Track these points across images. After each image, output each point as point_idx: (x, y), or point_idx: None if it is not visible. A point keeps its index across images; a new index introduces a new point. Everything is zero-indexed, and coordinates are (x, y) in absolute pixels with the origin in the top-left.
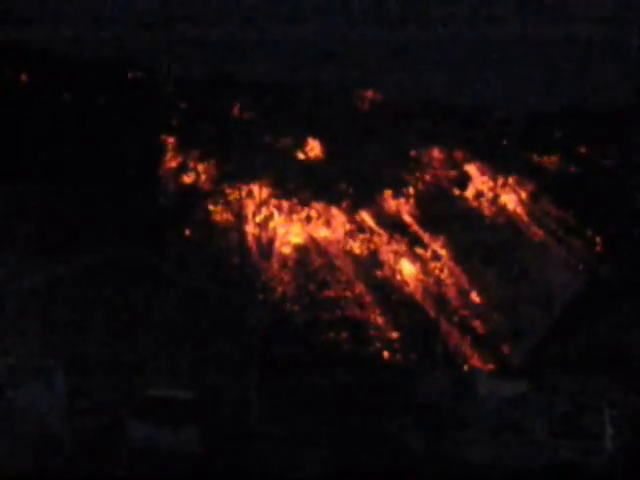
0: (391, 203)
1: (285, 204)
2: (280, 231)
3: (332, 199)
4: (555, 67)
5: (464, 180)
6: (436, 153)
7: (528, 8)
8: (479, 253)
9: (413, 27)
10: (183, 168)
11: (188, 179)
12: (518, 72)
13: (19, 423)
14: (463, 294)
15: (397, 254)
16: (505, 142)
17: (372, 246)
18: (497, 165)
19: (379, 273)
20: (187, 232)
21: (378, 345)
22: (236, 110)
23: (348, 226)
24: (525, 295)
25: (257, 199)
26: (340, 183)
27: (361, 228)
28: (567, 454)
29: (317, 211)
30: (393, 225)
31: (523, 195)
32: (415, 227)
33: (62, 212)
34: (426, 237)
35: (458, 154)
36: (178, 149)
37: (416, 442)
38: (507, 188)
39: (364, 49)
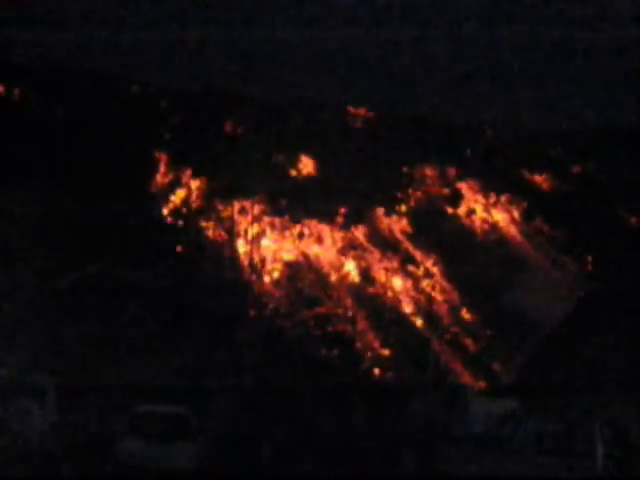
0: (383, 220)
1: (278, 221)
2: (272, 247)
3: (324, 216)
4: (548, 87)
5: (456, 198)
6: (429, 171)
7: (523, 29)
8: (471, 270)
9: (406, 46)
10: (176, 184)
11: (180, 195)
12: (511, 91)
13: (10, 438)
14: (455, 311)
15: (389, 271)
16: (497, 160)
17: (364, 263)
18: (489, 183)
19: (371, 290)
20: (179, 248)
21: (369, 362)
22: (229, 126)
23: (340, 243)
24: (516, 312)
25: (250, 216)
26: (333, 200)
27: (353, 245)
28: (557, 472)
29: (309, 228)
30: (385, 242)
31: (515, 213)
32: (407, 244)
33: (53, 228)
34: (418, 254)
35: (451, 172)
36: (171, 165)
37: (407, 458)
38: (499, 206)
39: (358, 67)
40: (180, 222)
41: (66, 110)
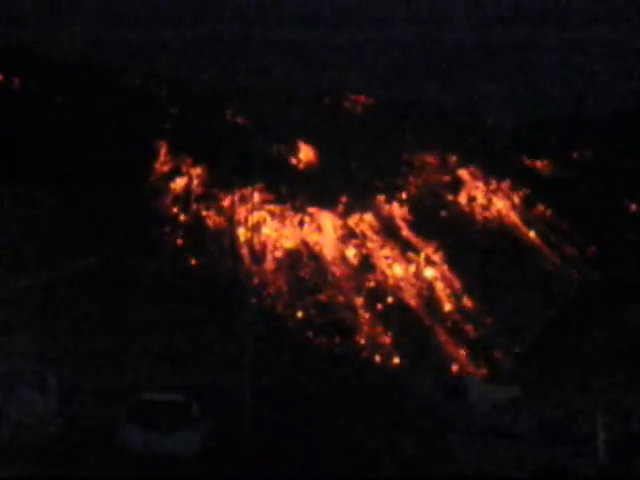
0: (384, 208)
1: (278, 209)
2: (273, 235)
3: (325, 204)
4: (549, 72)
5: (457, 185)
6: (429, 158)
7: (523, 14)
8: (472, 258)
9: (405, 31)
10: (176, 172)
11: (181, 183)
12: (511, 77)
13: (13, 427)
14: (456, 299)
15: (390, 258)
16: (498, 147)
17: (365, 251)
18: (490, 170)
19: (372, 277)
20: (180, 236)
21: (370, 349)
22: (229, 115)
23: (341, 231)
24: (518, 300)
25: (250, 204)
26: (333, 188)
27: (354, 233)
28: (559, 459)
29: (310, 216)
30: (386, 230)
31: (516, 200)
32: (408, 232)
33: (53, 217)
34: (419, 242)
35: (451, 159)
36: (171, 153)
37: (408, 445)
38: (500, 193)
39: (357, 53)
40: (180, 210)
41: (66, 101)
